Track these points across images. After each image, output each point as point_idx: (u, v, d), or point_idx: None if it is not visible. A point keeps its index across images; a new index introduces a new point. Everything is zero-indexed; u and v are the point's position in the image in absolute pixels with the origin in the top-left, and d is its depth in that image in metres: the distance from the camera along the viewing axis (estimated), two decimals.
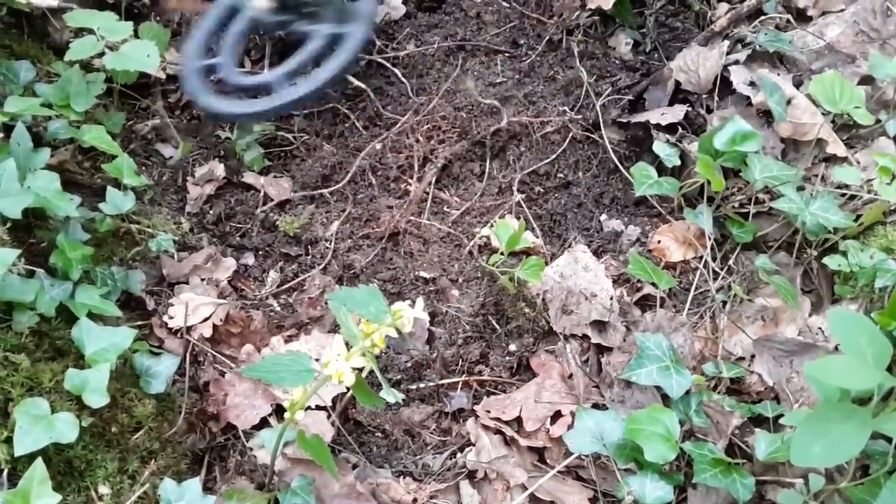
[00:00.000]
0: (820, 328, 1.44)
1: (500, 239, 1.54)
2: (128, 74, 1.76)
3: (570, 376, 1.48)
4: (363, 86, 1.91)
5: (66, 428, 1.09)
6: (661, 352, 1.37)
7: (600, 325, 1.51)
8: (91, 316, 1.28)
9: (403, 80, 1.94)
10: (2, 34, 1.71)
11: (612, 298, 1.54)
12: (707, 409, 1.35)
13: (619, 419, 1.29)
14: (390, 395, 1.12)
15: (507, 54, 1.95)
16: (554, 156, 1.79)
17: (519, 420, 1.42)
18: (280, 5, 1.82)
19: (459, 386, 1.51)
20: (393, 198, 1.79)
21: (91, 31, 1.55)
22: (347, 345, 1.08)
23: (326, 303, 1.60)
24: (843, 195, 1.56)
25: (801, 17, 1.84)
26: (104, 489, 1.16)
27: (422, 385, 1.51)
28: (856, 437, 0.88)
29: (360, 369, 1.08)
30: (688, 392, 1.34)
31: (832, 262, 1.46)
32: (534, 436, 1.40)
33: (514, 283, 1.52)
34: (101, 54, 1.54)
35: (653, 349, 1.37)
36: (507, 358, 1.54)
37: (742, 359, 1.45)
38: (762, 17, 1.82)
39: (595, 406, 1.42)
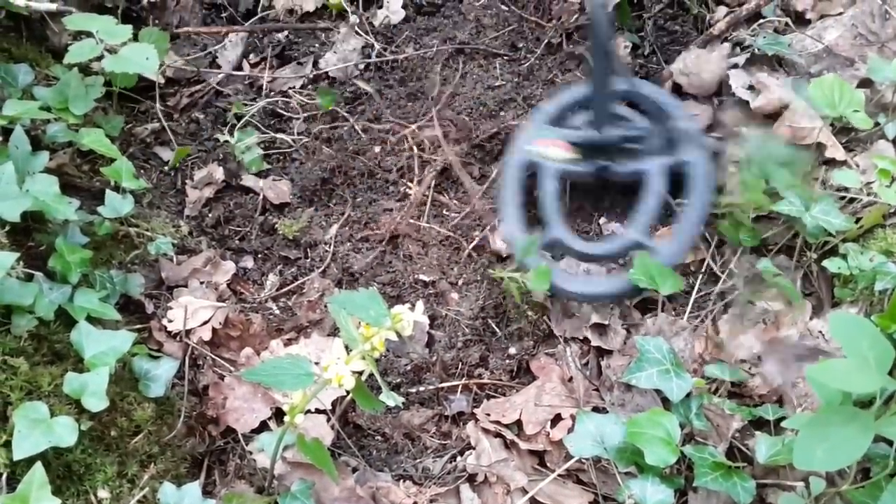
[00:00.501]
0: (820, 331, 1.43)
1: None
2: (127, 78, 1.76)
3: (570, 379, 1.48)
4: (366, 88, 1.91)
5: (65, 432, 1.09)
6: (662, 355, 1.37)
7: (600, 328, 1.51)
8: (90, 319, 1.28)
9: (402, 83, 1.94)
10: (0, 37, 1.70)
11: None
12: (707, 412, 1.34)
13: (619, 422, 1.29)
14: (390, 399, 1.12)
15: (506, 58, 1.96)
16: None
17: (519, 423, 1.42)
18: (585, 151, 1.61)
19: (459, 389, 1.51)
20: (392, 201, 1.79)
21: (90, 35, 1.55)
22: (347, 348, 1.08)
23: (326, 306, 1.59)
24: (843, 198, 1.55)
25: (800, 20, 1.84)
26: (103, 493, 1.15)
27: (422, 388, 1.51)
28: (858, 441, 0.88)
29: (360, 373, 1.08)
30: (688, 395, 1.33)
31: (832, 265, 1.46)
32: (534, 439, 1.40)
33: (521, 289, 1.51)
34: (100, 58, 1.54)
35: (653, 352, 1.37)
36: (507, 361, 1.54)
37: (744, 362, 1.45)
38: (761, 21, 1.82)
39: (595, 409, 1.42)
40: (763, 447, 1.25)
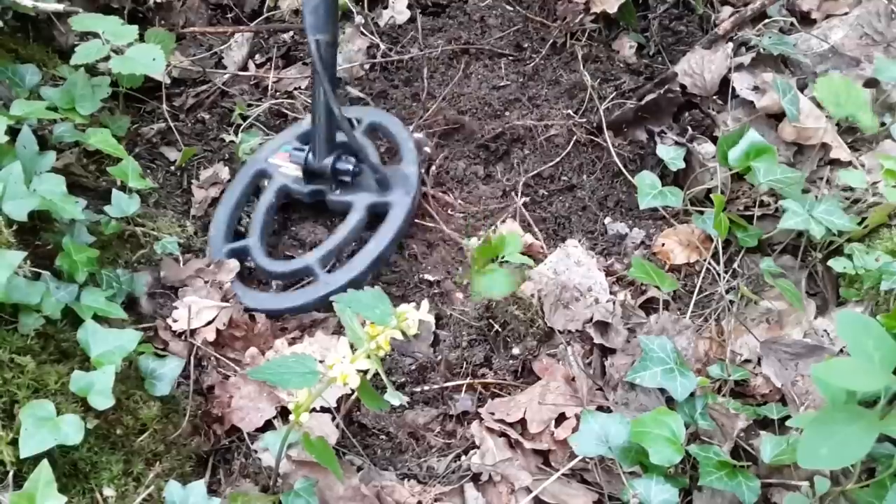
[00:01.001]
0: (825, 331, 1.44)
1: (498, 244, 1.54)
2: (133, 78, 1.76)
3: (574, 379, 1.48)
4: (361, 95, 1.92)
5: (72, 430, 1.09)
6: (665, 354, 1.37)
7: (602, 327, 1.51)
8: (96, 318, 1.28)
9: (408, 83, 1.94)
10: (7, 38, 1.71)
11: (608, 293, 1.56)
12: (712, 411, 1.34)
13: (624, 422, 1.29)
14: (395, 398, 1.12)
15: (510, 58, 1.96)
16: (558, 159, 1.79)
17: (523, 422, 1.42)
18: (310, 173, 1.66)
19: (464, 389, 1.51)
20: None
21: (96, 35, 1.56)
22: (352, 347, 1.08)
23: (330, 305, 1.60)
24: (848, 198, 1.55)
25: (806, 20, 1.84)
26: (109, 491, 1.16)
27: (426, 388, 1.51)
28: (862, 440, 0.88)
29: (365, 371, 1.08)
30: (692, 394, 1.34)
31: (837, 264, 1.46)
32: (538, 438, 1.40)
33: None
34: (107, 58, 1.55)
35: (657, 351, 1.37)
36: (511, 361, 1.54)
37: (748, 361, 1.45)
38: (766, 21, 1.82)
39: (599, 409, 1.42)
40: (768, 447, 1.24)
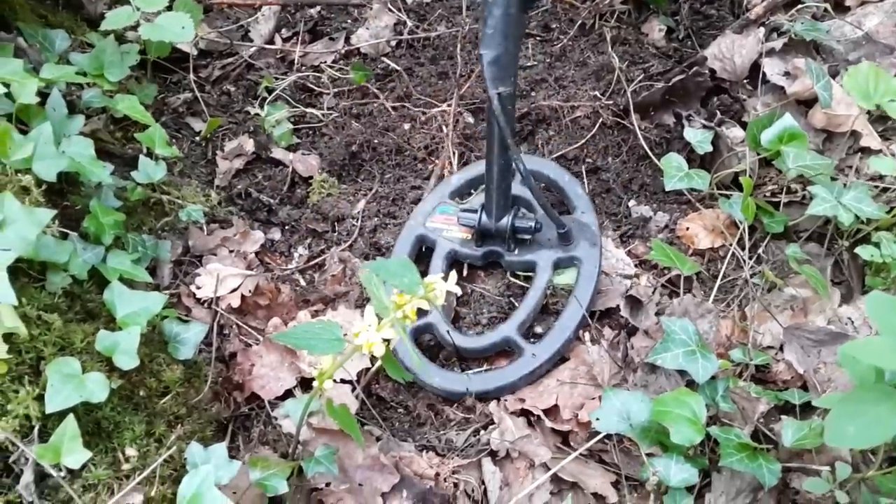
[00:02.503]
0: (850, 318, 1.42)
1: None
2: (162, 47, 1.77)
3: (599, 362, 1.47)
4: (394, 65, 1.91)
5: (97, 388, 1.10)
6: (688, 336, 1.36)
7: (635, 304, 1.50)
8: (122, 281, 1.28)
9: (434, 61, 1.94)
10: (37, 4, 1.72)
11: (633, 266, 1.58)
12: (733, 395, 1.34)
13: (645, 400, 1.28)
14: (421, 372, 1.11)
15: (538, 38, 1.95)
16: (583, 140, 1.78)
17: (554, 408, 1.41)
18: (480, 236, 1.55)
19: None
20: (420, 178, 1.79)
21: (126, 3, 1.56)
22: (378, 317, 1.08)
23: (352, 279, 1.60)
24: (877, 187, 1.54)
25: (839, 6, 1.82)
26: (131, 451, 1.17)
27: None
28: (891, 420, 0.87)
29: (389, 341, 1.08)
30: (714, 377, 1.33)
31: (865, 252, 1.44)
32: (560, 419, 1.40)
33: None
34: (136, 25, 1.55)
35: (679, 333, 1.37)
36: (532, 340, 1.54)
37: (770, 348, 1.44)
38: (799, 6, 1.80)
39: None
40: (789, 431, 1.24)
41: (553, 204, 1.63)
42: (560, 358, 1.46)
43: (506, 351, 1.49)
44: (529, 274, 1.56)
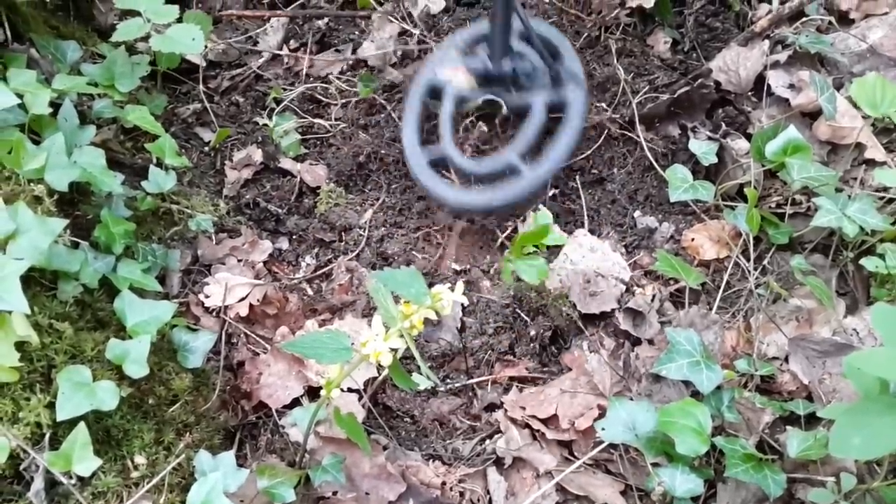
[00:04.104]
0: (854, 329, 1.43)
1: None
2: (172, 58, 1.79)
3: (599, 371, 1.48)
4: (401, 77, 1.93)
5: (107, 396, 1.11)
6: (692, 347, 1.37)
7: (635, 316, 1.51)
8: (132, 290, 1.30)
9: None
10: (49, 16, 1.74)
11: (629, 271, 1.60)
12: (738, 405, 1.34)
13: (651, 410, 1.29)
14: (426, 380, 1.13)
15: None
16: (589, 151, 1.79)
17: (553, 417, 1.42)
18: (483, 81, 1.75)
19: (489, 383, 1.51)
20: None
21: (137, 14, 1.58)
22: (385, 326, 1.09)
23: (359, 288, 1.61)
24: (882, 198, 1.55)
25: (844, 19, 1.83)
26: (140, 459, 1.18)
27: (454, 384, 1.51)
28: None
29: (396, 350, 1.09)
30: (719, 388, 1.33)
31: (869, 263, 1.45)
32: (562, 429, 1.40)
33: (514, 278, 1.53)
34: (147, 37, 1.57)
35: (683, 344, 1.37)
36: (537, 349, 1.54)
37: (775, 359, 1.44)
38: (803, 19, 1.81)
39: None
40: (794, 441, 1.24)
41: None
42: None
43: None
44: None
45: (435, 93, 1.78)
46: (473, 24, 1.91)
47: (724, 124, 1.72)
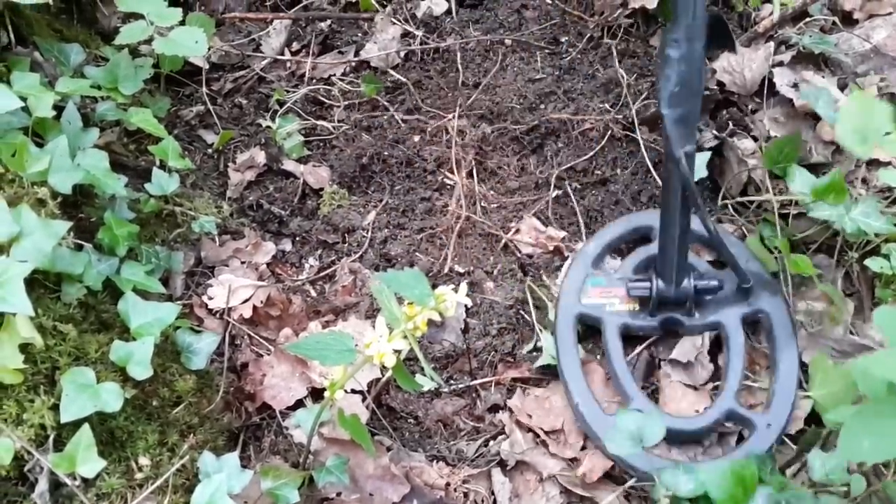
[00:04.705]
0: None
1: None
2: (175, 61, 1.79)
3: (610, 380, 1.46)
4: (403, 79, 1.93)
5: (111, 398, 1.11)
6: None
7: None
8: (135, 292, 1.30)
9: (443, 74, 1.95)
10: (52, 19, 1.74)
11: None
12: None
13: (659, 421, 1.27)
14: (430, 381, 1.13)
15: (547, 51, 1.96)
16: (592, 153, 1.79)
17: (559, 430, 1.41)
18: (654, 305, 1.44)
19: (493, 385, 1.51)
20: (430, 190, 1.80)
21: (140, 17, 1.58)
22: (389, 328, 1.09)
23: (362, 290, 1.61)
24: (887, 198, 1.54)
25: (847, 20, 1.83)
26: (144, 460, 1.18)
27: (458, 385, 1.50)
28: None
29: (400, 352, 1.09)
30: None
31: (874, 264, 1.44)
32: (566, 443, 1.39)
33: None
34: (150, 39, 1.57)
35: None
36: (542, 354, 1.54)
37: None
38: (807, 19, 1.80)
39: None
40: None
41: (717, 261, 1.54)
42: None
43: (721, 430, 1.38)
44: None
45: (585, 322, 1.50)
46: (600, 233, 1.60)
47: (730, 124, 1.71)
